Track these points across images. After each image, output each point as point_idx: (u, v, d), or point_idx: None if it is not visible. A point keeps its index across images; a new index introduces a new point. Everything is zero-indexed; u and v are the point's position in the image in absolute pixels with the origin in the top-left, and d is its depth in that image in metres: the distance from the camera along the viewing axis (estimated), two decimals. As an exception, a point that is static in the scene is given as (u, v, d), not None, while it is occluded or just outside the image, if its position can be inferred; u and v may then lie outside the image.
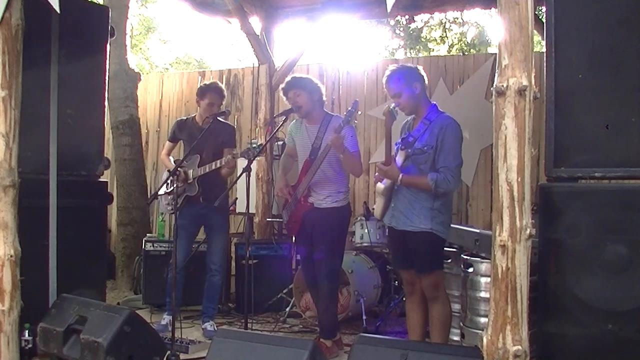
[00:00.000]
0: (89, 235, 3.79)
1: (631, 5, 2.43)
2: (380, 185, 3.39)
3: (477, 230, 3.73)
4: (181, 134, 4.50)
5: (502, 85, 2.22)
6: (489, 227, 3.26)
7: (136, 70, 6.62)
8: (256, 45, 5.66)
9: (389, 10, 2.50)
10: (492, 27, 10.88)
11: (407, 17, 10.19)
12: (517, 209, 2.20)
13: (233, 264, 5.42)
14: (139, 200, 6.21)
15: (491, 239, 2.28)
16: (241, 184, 4.13)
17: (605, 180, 2.44)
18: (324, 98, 3.97)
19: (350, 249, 4.95)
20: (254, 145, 3.78)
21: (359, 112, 3.77)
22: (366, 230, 4.91)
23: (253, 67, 6.82)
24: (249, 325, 3.81)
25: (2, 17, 2.91)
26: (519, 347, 2.18)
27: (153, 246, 5.13)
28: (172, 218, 3.77)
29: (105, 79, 4.01)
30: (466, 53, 10.46)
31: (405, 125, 3.46)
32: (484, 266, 3.44)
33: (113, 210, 6.43)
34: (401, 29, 11.47)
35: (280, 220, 5.11)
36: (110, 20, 4.01)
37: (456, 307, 3.66)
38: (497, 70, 2.27)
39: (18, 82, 3.02)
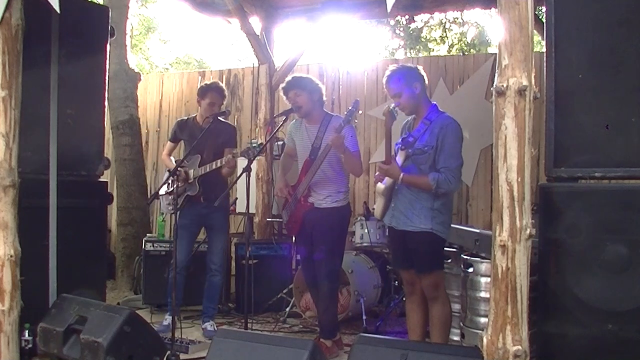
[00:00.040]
0: (89, 235, 3.79)
1: (631, 5, 2.43)
2: (381, 185, 3.39)
3: (477, 230, 3.73)
4: (182, 134, 4.50)
5: (502, 85, 2.22)
6: (489, 227, 3.26)
7: (136, 70, 6.62)
8: (256, 45, 5.66)
9: (389, 10, 2.50)
10: (492, 27, 10.90)
11: (407, 17, 10.19)
12: (517, 209, 2.20)
13: (233, 264, 5.42)
14: (139, 200, 6.22)
15: (491, 239, 2.28)
16: (241, 184, 4.13)
17: (605, 180, 2.44)
18: (324, 98, 3.97)
19: (350, 249, 4.95)
20: (254, 145, 3.78)
21: (360, 112, 3.77)
22: (366, 230, 4.91)
23: (253, 67, 6.82)
24: (249, 325, 3.81)
25: (2, 17, 2.91)
26: (519, 347, 2.18)
27: (153, 246, 5.13)
28: (172, 218, 3.76)
29: (105, 79, 4.01)
30: (466, 53, 10.46)
31: (405, 125, 3.46)
32: (484, 266, 3.44)
33: (113, 210, 6.43)
34: (401, 29, 11.47)
35: (280, 220, 5.11)
36: (110, 20, 4.01)
37: (456, 307, 3.66)
38: (497, 70, 2.27)
39: (18, 82, 3.02)
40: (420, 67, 3.37)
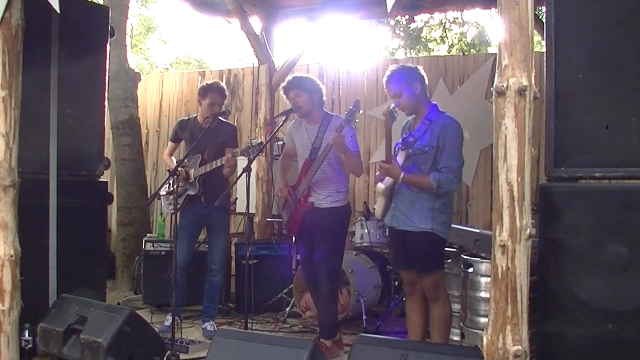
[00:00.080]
0: (89, 235, 3.79)
1: (631, 5, 2.43)
2: (381, 185, 3.39)
3: (477, 230, 3.73)
4: (183, 133, 4.50)
5: (502, 85, 2.22)
6: (489, 227, 3.26)
7: (136, 70, 6.62)
8: (256, 45, 5.66)
9: (389, 10, 2.50)
10: (492, 27, 10.89)
11: (407, 17, 10.18)
12: (517, 209, 2.20)
13: (233, 264, 5.42)
14: (139, 200, 6.21)
15: (491, 239, 2.28)
16: (241, 184, 4.13)
17: (605, 180, 2.44)
18: (324, 98, 3.97)
19: (350, 249, 4.95)
20: (254, 144, 3.78)
21: (360, 112, 3.77)
22: (366, 230, 4.91)
23: (253, 67, 6.82)
24: (249, 325, 3.81)
25: (2, 17, 2.91)
26: (519, 347, 2.18)
27: (153, 246, 5.13)
28: (173, 218, 3.76)
29: (105, 79, 4.01)
30: (466, 53, 10.46)
31: (405, 125, 3.46)
32: (484, 266, 3.44)
33: (113, 210, 6.43)
34: (401, 29, 11.47)
35: (280, 220, 5.11)
36: (110, 20, 4.01)
37: (456, 307, 3.66)
38: (497, 70, 2.27)
39: (18, 82, 3.02)
40: (420, 67, 3.37)
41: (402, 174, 3.19)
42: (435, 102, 3.38)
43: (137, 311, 3.31)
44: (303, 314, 4.82)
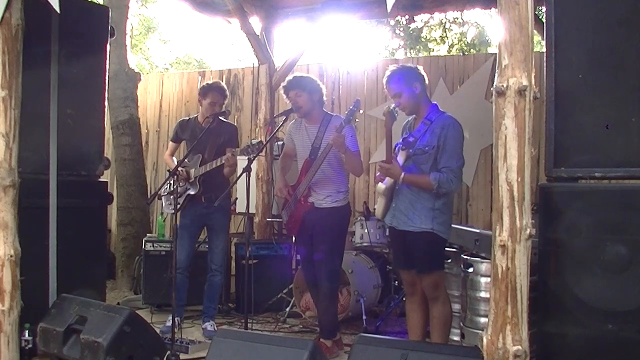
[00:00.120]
0: (89, 235, 3.79)
1: (631, 5, 2.43)
2: (382, 185, 3.38)
3: (477, 230, 3.73)
4: (184, 134, 4.50)
5: (502, 85, 2.22)
6: (489, 227, 3.26)
7: (136, 70, 6.62)
8: (256, 45, 5.66)
9: (389, 10, 2.50)
10: (492, 27, 10.89)
11: (407, 17, 10.18)
12: (517, 209, 2.20)
13: (233, 264, 5.42)
14: (139, 200, 6.21)
15: (491, 239, 2.28)
16: (241, 184, 4.13)
17: (605, 180, 2.44)
18: (324, 98, 3.97)
19: (350, 249, 4.95)
20: (254, 143, 3.79)
21: (361, 111, 3.77)
22: (366, 230, 4.91)
23: (253, 67, 6.82)
24: (249, 325, 3.82)
25: (2, 17, 2.91)
26: (519, 347, 2.18)
27: (153, 246, 5.14)
28: (173, 218, 3.76)
29: (105, 79, 4.01)
30: (466, 53, 10.46)
31: (405, 125, 3.46)
32: (484, 266, 3.44)
33: (113, 210, 6.43)
34: (401, 29, 11.46)
35: (280, 220, 5.11)
36: (110, 20, 4.01)
37: (456, 307, 3.66)
38: (497, 70, 2.27)
39: (18, 82, 3.02)
40: (420, 67, 3.37)
41: (403, 174, 3.19)
42: (435, 102, 3.38)
43: (137, 311, 3.31)
44: (303, 314, 4.82)
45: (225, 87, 4.52)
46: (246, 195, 3.60)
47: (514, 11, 2.22)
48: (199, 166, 4.28)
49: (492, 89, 2.30)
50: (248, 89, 6.93)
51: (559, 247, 2.43)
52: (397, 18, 10.29)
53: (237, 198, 5.11)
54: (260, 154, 4.15)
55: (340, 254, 3.89)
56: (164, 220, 5.66)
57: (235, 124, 5.12)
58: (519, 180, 2.20)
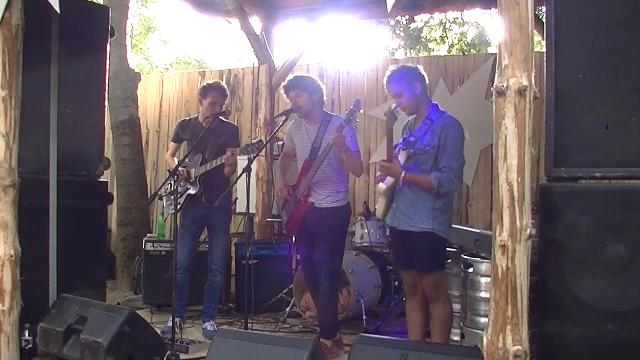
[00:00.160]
0: (89, 235, 3.79)
1: (631, 5, 2.43)
2: (382, 185, 3.38)
3: (477, 230, 3.73)
4: (184, 134, 4.50)
5: (502, 85, 2.22)
6: (489, 227, 3.26)
7: (136, 70, 6.62)
8: (256, 45, 5.66)
9: (389, 10, 2.50)
10: (492, 27, 10.89)
11: (407, 17, 10.18)
12: (517, 209, 2.20)
13: (233, 264, 5.42)
14: (139, 200, 6.21)
15: (491, 239, 2.28)
16: (241, 184, 4.13)
17: (605, 180, 2.44)
18: (325, 98, 3.97)
19: (350, 249, 4.95)
20: (253, 142, 3.79)
21: (361, 111, 3.77)
22: (366, 230, 4.91)
23: (253, 67, 6.82)
24: (249, 325, 3.82)
25: (2, 17, 2.91)
26: (519, 347, 2.18)
27: (153, 246, 5.14)
28: (173, 218, 3.77)
29: (105, 79, 4.01)
30: (466, 53, 10.45)
31: (406, 125, 3.46)
32: (484, 266, 3.44)
33: (113, 210, 6.43)
34: (401, 29, 11.46)
35: (280, 220, 5.11)
36: (110, 20, 4.01)
37: (456, 307, 3.66)
38: (497, 70, 2.27)
39: (18, 82, 3.02)
40: (420, 67, 3.37)
41: (403, 172, 3.19)
42: (436, 102, 3.38)
43: (137, 311, 3.31)
44: (303, 314, 4.83)
45: (226, 87, 4.52)
46: (246, 195, 3.59)
47: (514, 11, 2.22)
48: (199, 166, 4.28)
49: (492, 89, 2.30)
50: (248, 89, 6.93)
51: (559, 247, 2.43)
52: (397, 18, 10.29)
53: (237, 198, 5.11)
54: (260, 154, 4.16)
55: (340, 254, 3.89)
56: (165, 221, 5.65)
57: (236, 124, 5.12)
58: (519, 180, 2.20)
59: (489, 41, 11.13)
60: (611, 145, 2.43)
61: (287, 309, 4.86)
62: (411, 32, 11.43)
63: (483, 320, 3.34)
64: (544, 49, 2.56)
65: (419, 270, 3.26)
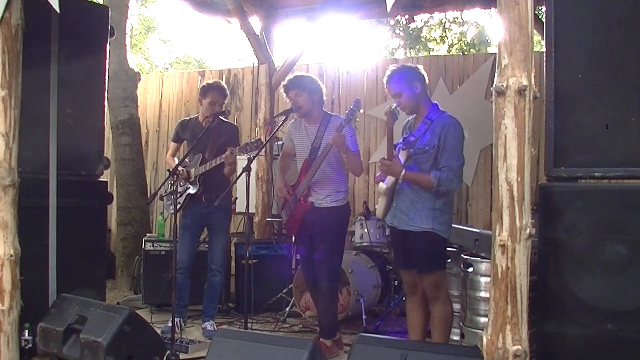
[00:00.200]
0: (89, 235, 3.79)
1: (631, 5, 2.43)
2: (383, 185, 3.38)
3: (477, 230, 3.73)
4: (185, 134, 4.50)
5: (502, 85, 2.22)
6: (489, 227, 3.26)
7: (136, 70, 6.62)
8: (256, 45, 5.66)
9: (389, 10, 2.50)
10: (492, 27, 10.89)
11: (407, 17, 10.18)
12: (517, 209, 2.20)
13: (233, 264, 5.42)
14: (139, 200, 6.22)
15: (491, 239, 2.28)
16: (241, 184, 4.13)
17: (605, 180, 2.44)
18: (325, 98, 3.97)
19: (350, 249, 4.95)
20: (252, 141, 3.79)
21: (361, 111, 3.78)
22: (366, 230, 4.91)
23: (253, 67, 6.82)
24: (249, 325, 3.82)
25: (2, 17, 2.91)
26: (519, 347, 2.18)
27: (153, 246, 5.14)
28: (173, 218, 3.77)
29: (105, 79, 4.01)
30: (466, 53, 10.45)
31: (406, 125, 3.46)
32: (484, 266, 3.44)
33: (113, 210, 6.43)
34: (401, 29, 11.46)
35: (280, 220, 5.11)
36: (110, 20, 4.01)
37: (456, 307, 3.66)
38: (497, 70, 2.27)
39: (18, 82, 3.02)
40: (420, 67, 3.37)
41: (404, 171, 3.19)
42: (436, 102, 3.38)
43: (137, 311, 3.31)
44: (303, 314, 4.83)
45: (226, 87, 4.52)
46: (246, 195, 3.59)
47: (514, 11, 2.22)
48: (199, 166, 4.28)
49: (492, 89, 2.30)
50: (248, 89, 6.93)
51: (559, 247, 2.43)
52: (397, 18, 10.29)
53: (237, 198, 5.11)
54: (260, 154, 4.16)
55: (340, 254, 3.89)
56: (165, 221, 5.65)
57: (236, 124, 5.12)
58: (519, 180, 2.20)
59: (489, 41, 11.13)
60: (611, 145, 2.43)
61: (287, 309, 4.86)
62: (411, 32, 11.43)
63: (483, 320, 3.34)
64: (544, 49, 2.56)
65: (420, 270, 3.26)
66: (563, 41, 2.49)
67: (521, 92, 2.19)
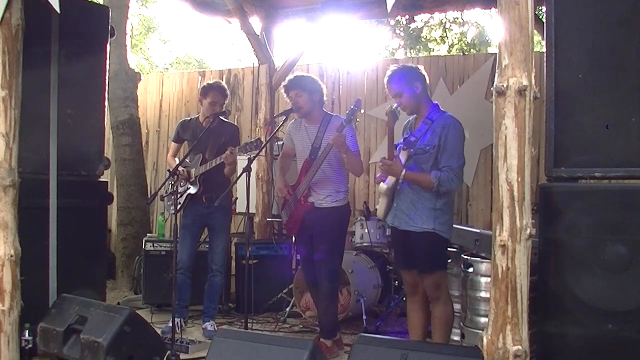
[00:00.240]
0: (89, 235, 3.79)
1: (631, 5, 2.43)
2: (383, 186, 3.38)
3: (477, 230, 3.73)
4: (185, 134, 4.50)
5: (502, 85, 2.22)
6: (489, 227, 3.26)
7: (136, 70, 6.62)
8: (256, 45, 5.66)
9: (389, 10, 2.50)
10: (492, 27, 10.88)
11: (407, 17, 10.18)
12: (517, 209, 2.20)
13: (233, 264, 5.42)
14: (139, 200, 6.22)
15: (491, 239, 2.28)
16: (241, 184, 4.13)
17: (605, 180, 2.44)
18: (325, 98, 3.97)
19: (350, 249, 4.95)
20: (252, 140, 3.79)
21: (362, 111, 3.78)
22: (366, 230, 4.91)
23: (253, 67, 6.82)
24: (249, 325, 3.82)
25: (2, 17, 2.91)
26: (519, 347, 2.18)
27: (153, 246, 5.14)
28: (173, 218, 3.77)
29: (105, 79, 4.01)
30: (466, 53, 10.45)
31: (406, 125, 3.46)
32: (484, 266, 3.44)
33: (113, 210, 6.43)
34: (401, 29, 11.46)
35: (280, 220, 5.11)
36: (110, 20, 4.01)
37: (456, 307, 3.65)
38: (497, 70, 2.27)
39: (18, 82, 3.02)
40: (421, 67, 3.37)
41: (404, 171, 3.19)
42: (436, 102, 3.38)
43: (137, 311, 3.31)
44: (303, 314, 4.83)
45: (226, 86, 4.52)
46: (246, 195, 3.60)
47: (514, 11, 2.22)
48: (200, 166, 4.28)
49: (492, 89, 2.30)
50: (248, 89, 6.93)
51: (559, 247, 2.43)
52: (397, 18, 10.29)
53: (237, 198, 5.12)
54: (260, 154, 4.15)
55: (340, 253, 3.89)
56: (165, 221, 5.65)
57: (236, 124, 5.11)
58: (519, 180, 2.20)
59: (489, 41, 11.13)
60: (611, 145, 2.43)
61: (287, 309, 4.86)
62: (411, 32, 11.42)
63: (483, 320, 3.34)
64: (544, 49, 2.56)
65: (420, 270, 3.25)
66: (563, 41, 2.49)
67: (521, 92, 2.20)
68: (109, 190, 4.14)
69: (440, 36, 11.72)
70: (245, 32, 5.61)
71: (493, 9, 5.31)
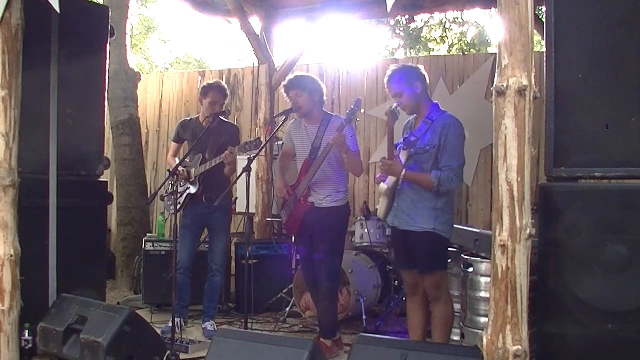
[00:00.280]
0: (89, 235, 3.79)
1: (631, 5, 2.43)
2: (384, 186, 3.38)
3: (477, 230, 3.73)
4: (185, 134, 4.50)
5: (502, 85, 2.22)
6: (489, 227, 3.26)
7: (136, 70, 6.62)
8: (256, 45, 5.66)
9: (389, 10, 2.50)
10: (492, 27, 10.88)
11: (407, 17, 10.18)
12: (517, 209, 2.20)
13: (233, 264, 5.42)
14: (139, 200, 6.22)
15: (491, 239, 2.28)
16: (241, 184, 4.13)
17: (605, 180, 2.44)
18: (325, 98, 3.97)
19: (350, 249, 4.95)
20: (251, 140, 3.79)
21: (362, 111, 3.78)
22: (366, 230, 4.91)
23: (253, 67, 6.82)
24: (249, 325, 3.82)
25: (2, 17, 2.91)
26: (519, 347, 2.18)
27: (153, 246, 5.14)
28: (173, 218, 3.77)
29: (105, 79, 4.01)
30: (466, 53, 10.45)
31: (407, 125, 3.46)
32: (484, 266, 3.44)
33: (113, 210, 6.42)
34: (401, 29, 11.46)
35: (280, 220, 5.11)
36: (110, 20, 4.01)
37: (456, 307, 3.65)
38: (497, 70, 2.27)
39: (18, 82, 3.02)
40: (421, 67, 3.37)
41: (404, 171, 3.18)
42: (436, 102, 3.38)
43: (137, 311, 3.31)
44: (303, 314, 4.83)
45: (226, 86, 4.52)
46: (246, 195, 3.60)
47: (514, 11, 2.22)
48: (199, 165, 4.28)
49: (492, 89, 2.30)
50: (248, 89, 6.93)
51: (559, 247, 2.43)
52: (397, 18, 10.29)
53: (237, 198, 5.12)
54: (260, 154, 4.15)
55: (340, 253, 3.89)
56: (165, 221, 5.65)
57: (236, 124, 5.11)
58: (519, 180, 2.20)
59: (489, 41, 11.13)
60: (611, 145, 2.43)
61: (287, 309, 4.86)
62: (411, 32, 11.42)
63: (483, 320, 3.34)
64: (544, 49, 2.56)
65: (421, 270, 3.25)
66: (563, 41, 2.50)
67: (521, 92, 2.20)
68: (109, 190, 4.14)
69: (440, 36, 11.72)
70: (245, 32, 5.61)
71: (493, 9, 5.31)
